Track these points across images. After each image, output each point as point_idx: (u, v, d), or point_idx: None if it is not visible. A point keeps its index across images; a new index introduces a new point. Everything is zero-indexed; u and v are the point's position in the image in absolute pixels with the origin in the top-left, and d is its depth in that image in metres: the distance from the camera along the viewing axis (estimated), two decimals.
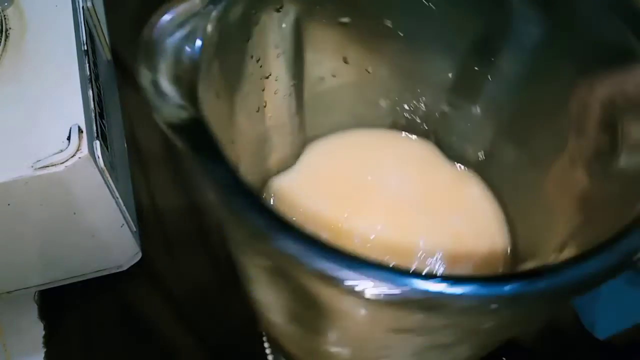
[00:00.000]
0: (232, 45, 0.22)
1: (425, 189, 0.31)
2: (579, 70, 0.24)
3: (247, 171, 0.26)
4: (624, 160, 0.21)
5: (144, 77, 0.18)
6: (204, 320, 0.33)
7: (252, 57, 0.24)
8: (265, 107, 0.26)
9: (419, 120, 0.32)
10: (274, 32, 0.24)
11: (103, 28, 0.37)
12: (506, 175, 0.30)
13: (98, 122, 0.28)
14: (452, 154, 0.32)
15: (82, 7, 0.31)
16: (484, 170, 0.31)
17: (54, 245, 0.30)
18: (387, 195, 0.31)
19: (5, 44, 0.28)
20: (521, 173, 0.29)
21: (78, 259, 0.32)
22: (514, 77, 0.27)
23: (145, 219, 0.36)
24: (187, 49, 0.19)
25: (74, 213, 0.28)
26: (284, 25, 0.24)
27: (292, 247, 0.14)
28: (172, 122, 0.17)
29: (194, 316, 0.34)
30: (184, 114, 0.17)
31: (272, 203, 0.30)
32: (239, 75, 0.24)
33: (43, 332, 0.35)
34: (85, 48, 0.29)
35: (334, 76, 0.29)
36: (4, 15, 0.29)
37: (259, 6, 0.23)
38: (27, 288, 0.33)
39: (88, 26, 0.31)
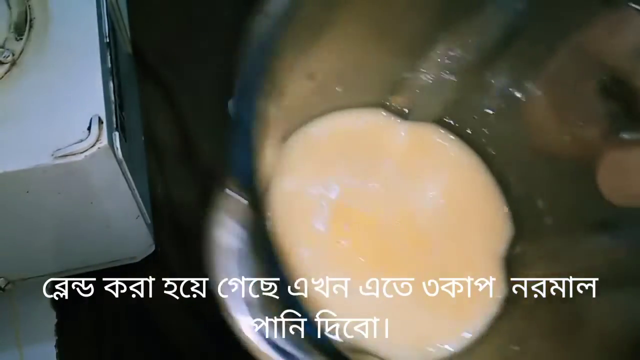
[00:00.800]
0: None
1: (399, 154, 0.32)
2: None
3: None
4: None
5: None
6: (215, 314, 0.33)
7: None
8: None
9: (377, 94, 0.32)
10: None
11: (125, 22, 0.37)
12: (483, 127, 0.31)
13: (118, 114, 0.29)
14: (414, 116, 0.32)
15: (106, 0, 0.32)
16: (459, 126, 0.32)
17: (70, 234, 0.31)
18: (374, 180, 0.31)
19: (29, 34, 0.28)
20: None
21: (92, 249, 0.33)
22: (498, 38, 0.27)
23: (160, 212, 0.37)
24: None
25: (91, 203, 0.29)
26: None
27: None
28: None
29: (205, 310, 0.34)
30: None
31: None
32: None
33: (55, 321, 0.35)
34: (108, 40, 0.30)
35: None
36: (29, 5, 0.29)
37: None
38: (41, 276, 0.33)
39: (110, 19, 0.32)
